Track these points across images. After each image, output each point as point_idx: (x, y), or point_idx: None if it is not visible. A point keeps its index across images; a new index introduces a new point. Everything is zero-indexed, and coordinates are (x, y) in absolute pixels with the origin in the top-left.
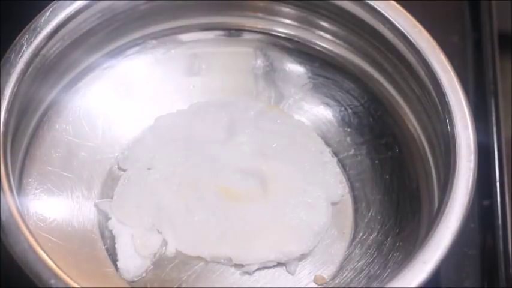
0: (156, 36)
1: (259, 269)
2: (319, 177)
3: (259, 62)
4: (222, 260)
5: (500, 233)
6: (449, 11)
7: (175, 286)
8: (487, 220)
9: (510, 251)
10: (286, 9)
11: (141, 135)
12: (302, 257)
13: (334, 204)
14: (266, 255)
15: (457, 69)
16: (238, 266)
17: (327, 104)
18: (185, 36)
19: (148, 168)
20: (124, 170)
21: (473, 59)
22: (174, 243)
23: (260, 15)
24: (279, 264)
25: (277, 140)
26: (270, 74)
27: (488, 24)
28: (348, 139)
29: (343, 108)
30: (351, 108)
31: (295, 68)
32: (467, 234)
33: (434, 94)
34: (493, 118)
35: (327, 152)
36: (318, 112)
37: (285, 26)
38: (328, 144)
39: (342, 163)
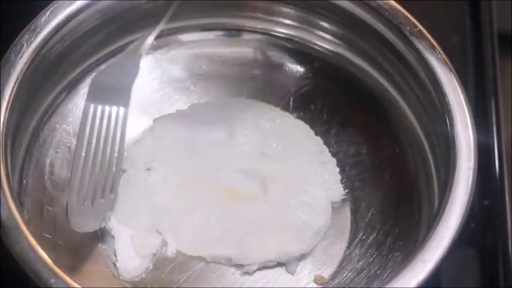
0: (156, 36)
1: (259, 269)
2: (319, 177)
3: (259, 62)
4: (222, 260)
5: (501, 233)
6: (449, 11)
7: (175, 286)
8: (487, 220)
9: (510, 251)
10: (286, 10)
11: (140, 135)
12: (302, 257)
13: (334, 203)
14: (266, 255)
15: (457, 69)
16: (238, 266)
17: (326, 104)
18: (185, 37)
19: (148, 169)
20: (123, 171)
21: (473, 59)
22: (174, 243)
23: (260, 15)
24: (279, 264)
25: (276, 140)
26: (269, 74)
27: (489, 24)
28: (348, 139)
29: (342, 108)
30: (350, 108)
31: (294, 68)
32: (467, 234)
33: (434, 94)
34: (493, 118)
35: (326, 152)
36: (317, 112)
37: (284, 26)
38: (328, 144)
39: (341, 163)
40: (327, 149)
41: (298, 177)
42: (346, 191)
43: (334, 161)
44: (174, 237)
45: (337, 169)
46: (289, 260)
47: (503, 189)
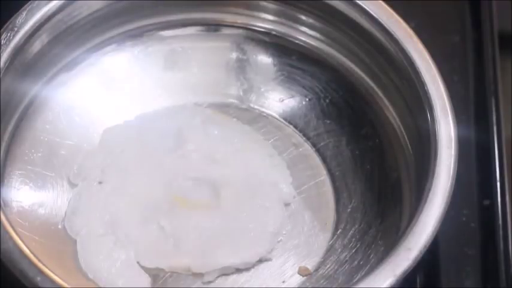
0: (135, 33)
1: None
2: (270, 180)
3: (235, 55)
4: (180, 271)
5: (500, 233)
6: (449, 11)
7: None
8: (487, 220)
9: (510, 251)
10: (266, 4)
11: (90, 148)
12: (262, 261)
13: (286, 205)
14: (224, 261)
15: (458, 69)
16: (198, 275)
17: (305, 97)
18: (165, 32)
19: (100, 182)
20: (76, 185)
21: (473, 59)
22: (133, 255)
23: (240, 10)
24: (238, 270)
25: (226, 146)
26: (246, 67)
27: (489, 24)
28: (328, 131)
29: (321, 101)
30: (329, 100)
31: (272, 61)
32: (467, 234)
33: (413, 83)
34: (493, 118)
35: (276, 155)
36: (296, 105)
37: (264, 20)
38: (307, 136)
39: (322, 155)
40: (276, 153)
41: (250, 181)
42: (328, 182)
43: (284, 163)
44: (132, 249)
45: (287, 171)
46: (248, 265)
47: (503, 189)
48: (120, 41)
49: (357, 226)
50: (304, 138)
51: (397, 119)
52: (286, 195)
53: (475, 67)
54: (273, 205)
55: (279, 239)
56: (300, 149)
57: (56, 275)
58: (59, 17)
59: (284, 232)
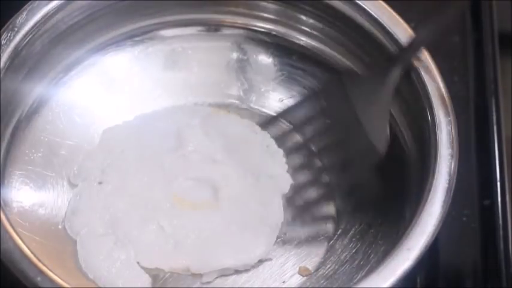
0: (136, 33)
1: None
2: (269, 171)
3: (236, 55)
4: (180, 271)
5: (501, 233)
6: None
7: None
8: (487, 220)
9: (510, 251)
10: (266, 4)
11: (90, 148)
12: (262, 261)
13: (285, 196)
14: (223, 262)
15: (458, 69)
16: (197, 275)
17: (305, 96)
18: (165, 33)
19: (100, 183)
20: (76, 186)
21: (473, 58)
22: (133, 255)
23: (240, 10)
24: (237, 271)
25: (225, 143)
26: (247, 67)
27: (489, 24)
28: (326, 131)
29: (322, 101)
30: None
31: (272, 62)
32: (467, 234)
33: (413, 83)
34: (494, 118)
35: (273, 144)
36: (296, 105)
37: (264, 20)
38: (305, 136)
39: (321, 155)
40: (273, 141)
41: (249, 179)
42: (328, 182)
43: (280, 151)
44: (132, 249)
45: (284, 159)
46: (247, 267)
47: (504, 189)
48: (121, 41)
49: (357, 226)
50: (304, 138)
51: (398, 120)
52: (284, 184)
53: (475, 67)
54: (272, 201)
55: (279, 239)
56: (300, 150)
57: (56, 275)
58: (59, 17)
59: (284, 232)
